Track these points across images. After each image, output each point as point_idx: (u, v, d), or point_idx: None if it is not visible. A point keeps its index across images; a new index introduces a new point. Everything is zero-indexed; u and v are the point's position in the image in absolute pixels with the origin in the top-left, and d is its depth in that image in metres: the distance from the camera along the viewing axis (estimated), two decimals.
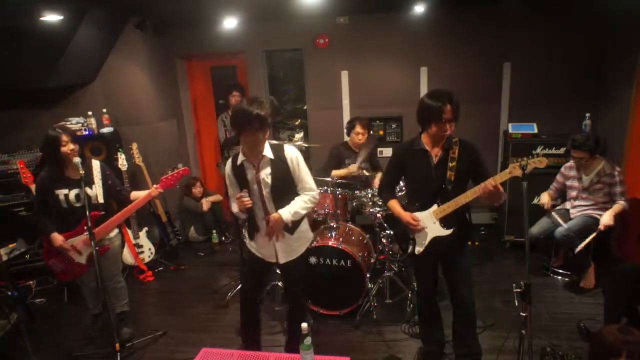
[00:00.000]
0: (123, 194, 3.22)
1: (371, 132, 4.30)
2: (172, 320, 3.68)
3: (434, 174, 2.53)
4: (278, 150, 2.54)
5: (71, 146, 2.92)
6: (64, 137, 2.90)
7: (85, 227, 2.79)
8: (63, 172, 3.00)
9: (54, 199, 2.98)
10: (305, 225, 2.76)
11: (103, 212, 3.08)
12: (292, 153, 2.56)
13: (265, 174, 2.51)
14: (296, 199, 2.59)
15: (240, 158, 2.54)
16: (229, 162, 2.63)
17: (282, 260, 2.69)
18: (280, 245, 2.65)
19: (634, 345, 1.73)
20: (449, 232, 2.55)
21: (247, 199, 2.46)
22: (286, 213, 2.51)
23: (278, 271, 3.87)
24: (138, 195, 3.19)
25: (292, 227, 2.63)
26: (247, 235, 2.78)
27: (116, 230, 3.28)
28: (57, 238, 2.98)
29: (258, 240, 2.70)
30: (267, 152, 2.50)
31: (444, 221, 2.55)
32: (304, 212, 2.59)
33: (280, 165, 2.52)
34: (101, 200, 3.09)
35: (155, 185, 3.11)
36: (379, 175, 4.01)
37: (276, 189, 2.53)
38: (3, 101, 4.52)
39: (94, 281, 2.85)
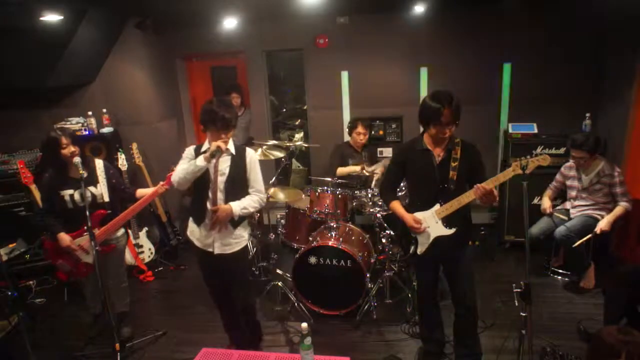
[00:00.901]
0: (128, 192, 3.23)
1: (372, 132, 4.32)
2: (172, 320, 3.68)
3: (436, 173, 2.53)
4: (240, 149, 2.72)
5: (71, 148, 2.92)
6: (64, 140, 2.91)
7: (85, 227, 2.79)
8: (67, 173, 3.00)
9: (59, 199, 2.98)
10: (244, 229, 2.84)
11: (109, 211, 3.08)
12: (252, 155, 2.74)
13: (225, 165, 2.66)
14: (247, 197, 2.71)
15: (205, 146, 2.65)
16: (191, 148, 2.74)
17: (216, 251, 2.73)
18: (218, 236, 2.71)
19: (634, 346, 1.72)
20: (451, 231, 2.55)
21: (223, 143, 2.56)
22: (236, 207, 2.63)
23: (279, 271, 3.90)
24: (144, 192, 3.20)
25: (236, 221, 2.73)
26: (190, 224, 2.81)
27: (122, 230, 3.28)
28: (65, 238, 2.98)
29: (200, 228, 2.74)
30: (231, 147, 2.67)
31: (447, 220, 2.56)
32: (252, 210, 2.72)
33: (239, 162, 2.69)
34: (106, 199, 3.09)
35: (161, 183, 3.11)
36: (380, 169, 3.99)
37: (231, 181, 2.66)
38: (3, 101, 4.51)
39: (98, 281, 2.85)
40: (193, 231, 2.80)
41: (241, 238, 2.80)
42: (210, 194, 2.65)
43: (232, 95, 4.91)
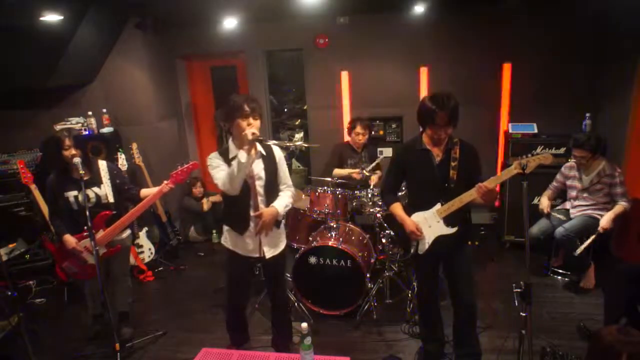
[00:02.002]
0: (132, 192, 3.21)
1: (372, 132, 4.31)
2: (172, 320, 3.68)
3: (436, 173, 2.53)
4: (268, 149, 2.65)
5: (72, 151, 2.92)
6: (67, 141, 2.91)
7: (86, 227, 2.79)
8: (70, 174, 2.99)
9: (64, 201, 2.98)
10: (282, 222, 2.83)
11: (114, 212, 3.07)
12: (279, 151, 2.70)
13: (259, 168, 2.59)
14: (281, 194, 2.69)
15: (232, 152, 2.53)
16: (213, 155, 2.59)
17: (268, 255, 2.70)
18: (267, 240, 2.68)
19: (634, 346, 1.72)
20: (452, 230, 2.55)
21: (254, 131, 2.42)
22: (280, 207, 2.60)
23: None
24: (148, 192, 3.18)
25: (279, 221, 2.72)
26: (228, 234, 2.73)
27: (128, 231, 3.28)
28: (70, 241, 2.98)
29: (245, 236, 2.68)
30: (260, 148, 2.59)
31: (448, 220, 2.55)
32: (289, 207, 2.72)
33: (269, 162, 2.64)
34: (111, 199, 3.08)
35: (165, 181, 3.10)
36: (377, 174, 4.00)
37: (269, 183, 2.62)
38: (3, 101, 4.52)
39: (99, 282, 2.85)
40: (235, 242, 2.70)
41: (283, 234, 2.81)
42: (251, 201, 2.59)
43: None
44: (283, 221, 2.80)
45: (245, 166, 2.40)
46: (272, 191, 2.64)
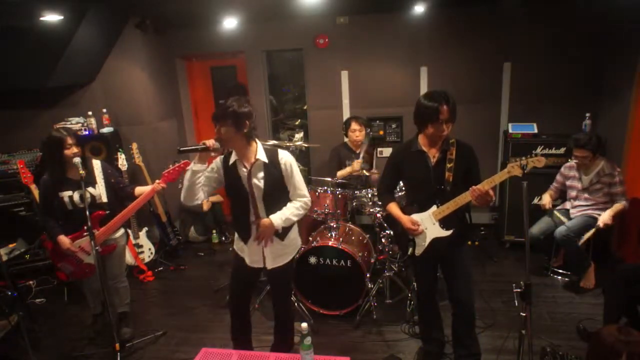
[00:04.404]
0: (127, 191, 3.22)
1: (369, 131, 4.30)
2: (172, 320, 3.68)
3: (431, 175, 2.53)
4: (272, 155, 2.48)
5: (74, 149, 2.92)
6: (69, 140, 2.90)
7: (86, 228, 2.79)
8: (65, 174, 2.99)
9: (58, 201, 2.98)
10: (294, 233, 2.69)
11: (108, 212, 3.07)
12: (286, 158, 2.49)
13: (258, 178, 2.45)
14: (288, 204, 2.52)
15: (233, 157, 2.47)
16: (219, 159, 2.55)
17: (269, 266, 2.61)
18: (269, 251, 2.58)
19: (634, 346, 1.72)
20: (448, 232, 2.54)
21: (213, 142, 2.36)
22: (277, 219, 2.44)
23: None
24: (142, 190, 3.18)
25: (282, 233, 2.55)
26: (236, 239, 2.71)
27: (122, 230, 3.28)
28: (64, 241, 2.97)
29: (249, 244, 2.61)
30: (261, 155, 2.44)
31: (444, 222, 2.55)
32: (295, 218, 2.53)
33: (273, 170, 2.47)
34: (105, 199, 3.08)
35: (157, 181, 3.11)
36: (377, 172, 4.00)
37: (269, 194, 2.47)
38: (3, 101, 4.52)
39: (98, 281, 2.85)
40: (242, 248, 2.65)
41: (292, 246, 2.66)
42: (251, 210, 2.50)
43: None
44: (292, 234, 2.65)
45: (191, 176, 2.39)
46: (273, 201, 2.49)
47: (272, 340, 3.03)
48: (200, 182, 2.43)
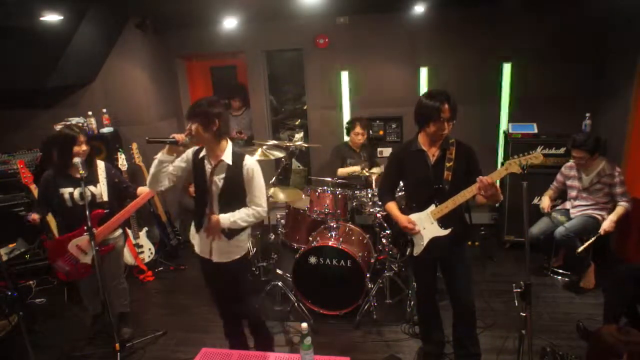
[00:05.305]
0: (130, 191, 3.27)
1: (370, 132, 4.33)
2: (172, 320, 3.68)
3: (431, 174, 2.53)
4: (238, 158, 2.54)
5: (84, 147, 2.96)
6: (81, 137, 2.95)
7: (85, 228, 2.79)
8: (67, 171, 3.01)
9: (58, 198, 2.98)
10: (244, 236, 2.70)
11: (107, 210, 3.08)
12: (250, 164, 2.54)
13: (219, 177, 2.53)
14: (242, 209, 2.56)
15: (203, 152, 2.58)
16: (191, 151, 2.62)
17: (215, 259, 2.65)
18: (215, 245, 2.63)
19: (634, 346, 1.73)
20: (447, 232, 2.54)
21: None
22: (225, 219, 2.50)
23: (279, 271, 3.90)
24: (144, 190, 3.22)
25: (229, 233, 2.59)
26: (191, 229, 2.77)
27: (120, 230, 3.28)
28: (35, 217, 3.05)
29: (200, 235, 2.68)
30: (227, 157, 2.51)
31: (442, 221, 2.55)
32: (243, 224, 2.55)
33: (235, 172, 2.52)
34: (105, 198, 3.10)
35: None
36: (378, 170, 4.01)
37: (225, 194, 2.54)
38: (3, 101, 4.51)
39: (96, 282, 2.85)
40: (194, 236, 2.75)
41: (238, 247, 2.67)
42: (207, 204, 2.57)
43: (236, 99, 4.97)
44: (244, 235, 2.68)
45: (157, 165, 2.49)
46: (228, 201, 2.55)
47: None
48: (166, 170, 2.54)
